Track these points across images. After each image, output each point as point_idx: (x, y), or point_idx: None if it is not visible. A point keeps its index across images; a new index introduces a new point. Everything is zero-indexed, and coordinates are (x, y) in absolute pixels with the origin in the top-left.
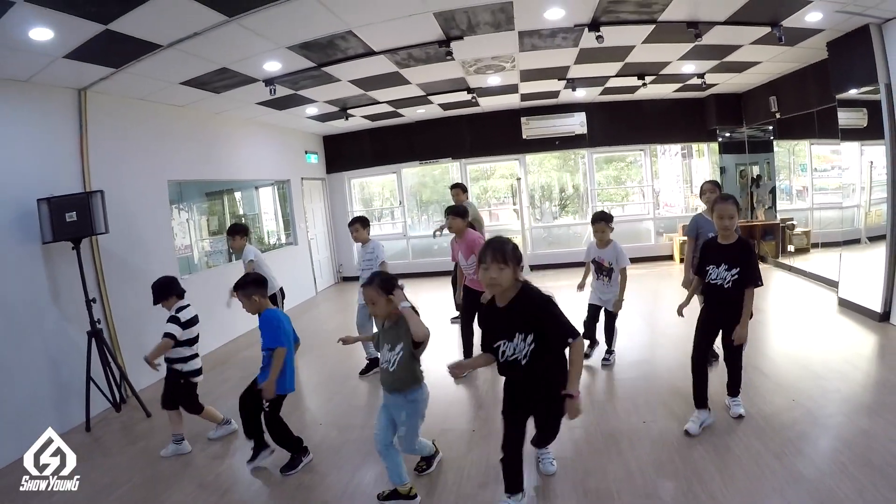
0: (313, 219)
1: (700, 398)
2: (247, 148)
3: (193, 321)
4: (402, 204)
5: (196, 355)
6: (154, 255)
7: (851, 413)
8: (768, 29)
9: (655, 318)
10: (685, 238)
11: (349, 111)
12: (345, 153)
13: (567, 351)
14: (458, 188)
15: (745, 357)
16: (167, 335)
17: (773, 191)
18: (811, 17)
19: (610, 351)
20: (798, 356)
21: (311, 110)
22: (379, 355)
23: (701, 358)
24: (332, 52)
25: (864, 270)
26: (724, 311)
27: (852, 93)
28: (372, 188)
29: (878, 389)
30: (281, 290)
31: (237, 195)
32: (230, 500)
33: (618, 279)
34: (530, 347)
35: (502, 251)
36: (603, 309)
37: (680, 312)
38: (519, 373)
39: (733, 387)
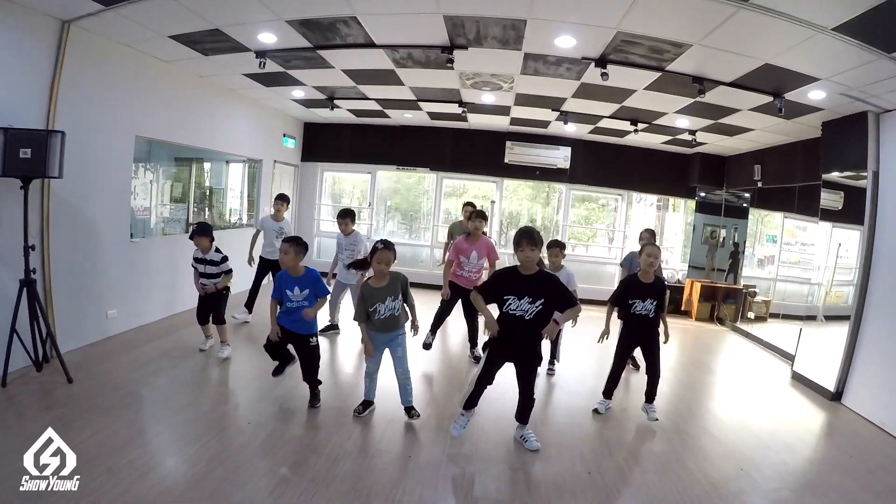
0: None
1: (609, 391)
2: (224, 119)
3: (215, 262)
4: (371, 206)
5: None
6: (108, 211)
7: (797, 488)
8: (770, 98)
9: (604, 367)
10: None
11: (336, 101)
12: (323, 144)
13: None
14: (471, 206)
15: (696, 418)
16: (229, 270)
17: (733, 255)
18: (814, 94)
19: (552, 362)
20: (748, 424)
21: (298, 93)
22: (378, 307)
23: (621, 367)
24: (332, 36)
25: (821, 348)
26: (644, 333)
27: (834, 175)
28: (343, 185)
29: (824, 467)
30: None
31: (206, 166)
32: (151, 480)
33: None
34: (538, 309)
35: (533, 238)
36: None
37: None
38: (519, 325)
39: (652, 394)
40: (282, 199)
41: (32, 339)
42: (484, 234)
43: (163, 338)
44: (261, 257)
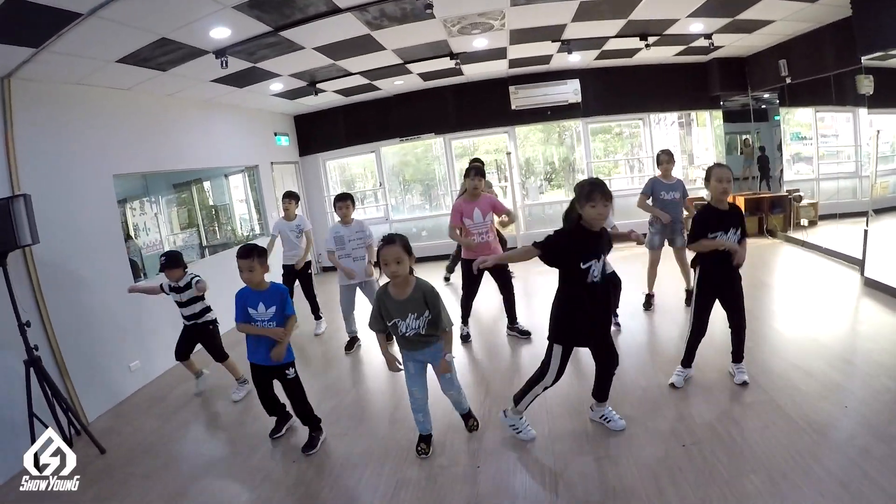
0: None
1: (689, 359)
2: (207, 133)
3: (188, 285)
4: (382, 185)
5: (210, 308)
6: (102, 262)
7: None
8: None
9: (669, 310)
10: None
11: (319, 85)
12: (318, 133)
13: None
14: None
15: (775, 350)
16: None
17: (760, 160)
18: None
19: (615, 314)
20: (832, 346)
21: (276, 86)
22: (397, 324)
23: (703, 328)
24: (289, 12)
25: (893, 247)
26: (726, 271)
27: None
28: (353, 170)
29: None
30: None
31: (206, 185)
32: None
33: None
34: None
35: (606, 192)
36: None
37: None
38: (596, 294)
39: (740, 352)
40: (289, 196)
41: (54, 416)
42: (485, 192)
43: (189, 381)
44: (283, 265)
